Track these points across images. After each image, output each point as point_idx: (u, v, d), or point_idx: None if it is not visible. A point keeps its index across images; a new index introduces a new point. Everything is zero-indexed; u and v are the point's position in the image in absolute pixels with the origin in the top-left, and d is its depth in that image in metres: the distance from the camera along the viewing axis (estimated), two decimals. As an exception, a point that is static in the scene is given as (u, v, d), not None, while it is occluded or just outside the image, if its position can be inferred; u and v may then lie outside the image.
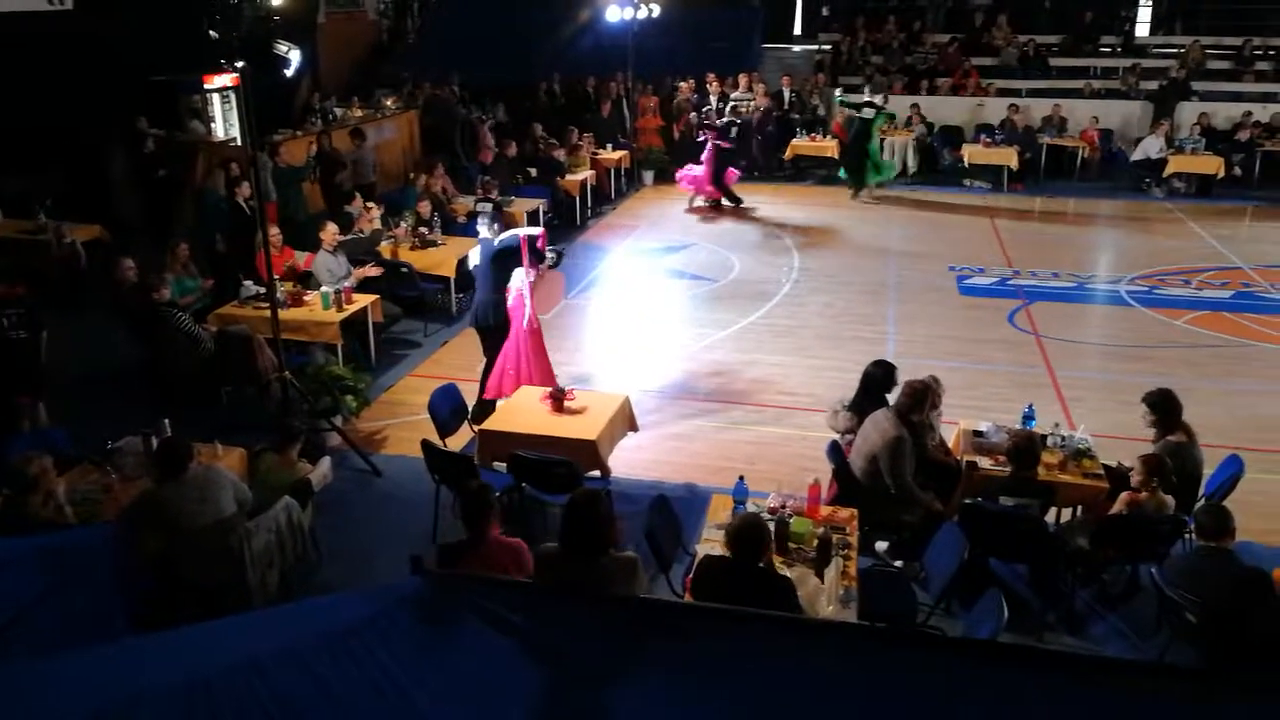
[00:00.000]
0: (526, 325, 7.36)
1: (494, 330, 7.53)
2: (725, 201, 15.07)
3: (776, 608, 4.05)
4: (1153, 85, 17.94)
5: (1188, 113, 16.96)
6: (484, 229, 7.66)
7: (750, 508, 5.19)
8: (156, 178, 12.17)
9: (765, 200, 15.65)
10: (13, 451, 5.34)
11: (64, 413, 7.04)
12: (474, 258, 7.72)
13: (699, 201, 15.13)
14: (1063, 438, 6.10)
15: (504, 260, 7.39)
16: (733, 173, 15.25)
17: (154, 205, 12.34)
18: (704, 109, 16.34)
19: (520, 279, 7.37)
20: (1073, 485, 5.78)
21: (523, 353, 7.35)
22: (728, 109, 16.18)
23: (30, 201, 10.94)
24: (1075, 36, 19.80)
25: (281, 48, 6.53)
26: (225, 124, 14.17)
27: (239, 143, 12.96)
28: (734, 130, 15.06)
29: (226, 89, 13.76)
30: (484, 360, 7.75)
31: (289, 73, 6.67)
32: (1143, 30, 20.55)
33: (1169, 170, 15.78)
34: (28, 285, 7.33)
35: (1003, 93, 18.28)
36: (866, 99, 15.39)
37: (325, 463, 6.24)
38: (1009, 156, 16.17)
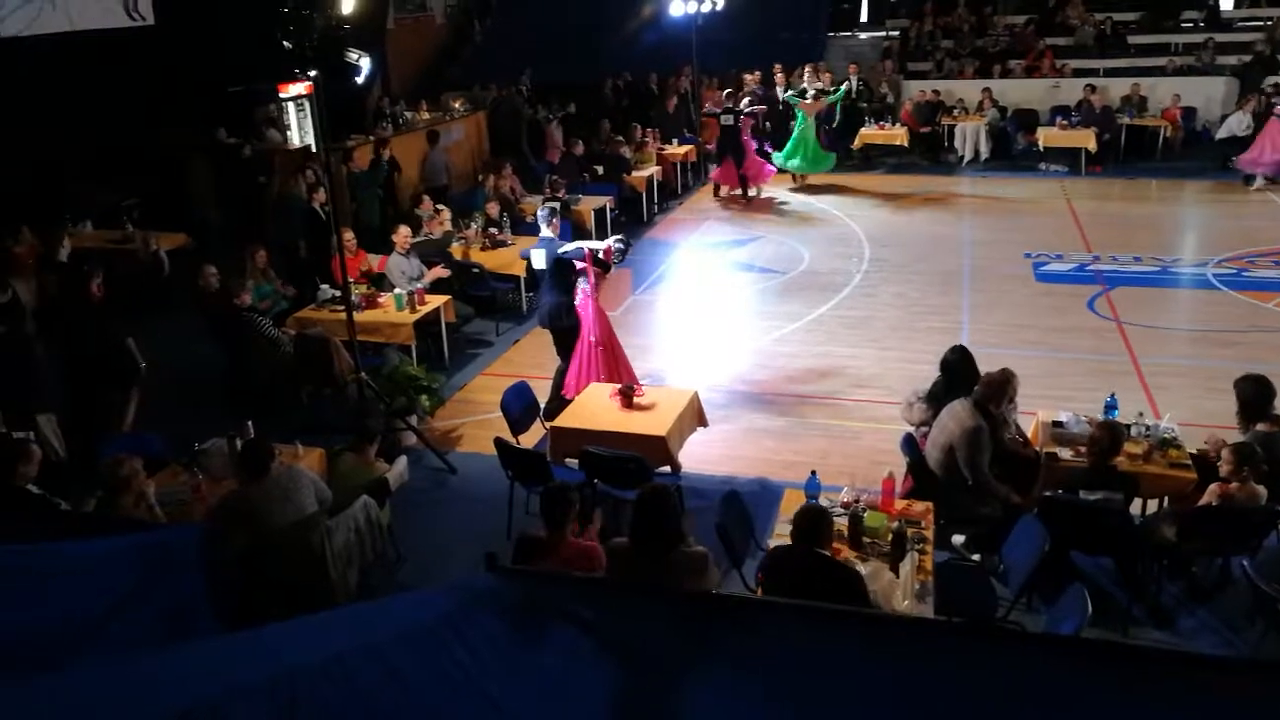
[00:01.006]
0: (594, 333, 7.40)
1: (567, 331, 7.60)
2: (736, 190, 15.19)
3: (843, 595, 4.04)
4: (1236, 60, 17.26)
5: (1276, 87, 16.29)
6: (545, 228, 7.73)
7: (824, 502, 5.15)
8: (256, 184, 12.51)
9: (834, 190, 15.49)
10: (107, 454, 5.54)
11: (152, 416, 7.30)
12: (537, 259, 7.76)
13: (724, 191, 15.30)
14: (1147, 427, 5.92)
15: (568, 267, 7.46)
16: (768, 170, 15.19)
17: (240, 213, 12.71)
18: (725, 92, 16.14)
19: (584, 280, 7.43)
20: (1158, 476, 5.61)
21: (600, 351, 7.40)
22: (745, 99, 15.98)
23: (118, 213, 11.36)
24: (1155, 12, 19.15)
25: (353, 55, 6.66)
26: (300, 131, 14.53)
27: (314, 149, 13.27)
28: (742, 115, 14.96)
29: (301, 97, 14.10)
30: (558, 360, 7.82)
31: (360, 80, 6.79)
32: (1227, 3, 19.79)
33: (1257, 148, 15.18)
34: (107, 291, 7.61)
35: (1079, 73, 17.79)
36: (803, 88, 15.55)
37: (402, 462, 6.36)
38: (1086, 139, 15.72)
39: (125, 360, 7.25)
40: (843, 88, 16.10)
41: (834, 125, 16.85)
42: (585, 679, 2.91)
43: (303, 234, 10.46)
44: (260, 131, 13.73)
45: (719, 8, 16.38)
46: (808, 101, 15.26)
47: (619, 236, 7.70)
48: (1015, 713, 2.72)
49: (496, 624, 3.09)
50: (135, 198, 11.85)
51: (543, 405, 7.22)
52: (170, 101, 12.67)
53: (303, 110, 14.45)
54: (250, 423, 6.02)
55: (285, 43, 6.34)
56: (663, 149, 15.61)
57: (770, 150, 15.78)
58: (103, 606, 3.87)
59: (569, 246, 7.53)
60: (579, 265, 7.42)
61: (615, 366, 7.47)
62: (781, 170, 15.54)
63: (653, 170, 14.69)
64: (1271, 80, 15.92)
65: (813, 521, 4.26)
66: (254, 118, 13.81)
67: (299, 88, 13.63)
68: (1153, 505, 5.85)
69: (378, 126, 14.55)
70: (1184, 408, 6.95)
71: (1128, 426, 5.87)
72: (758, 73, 17.03)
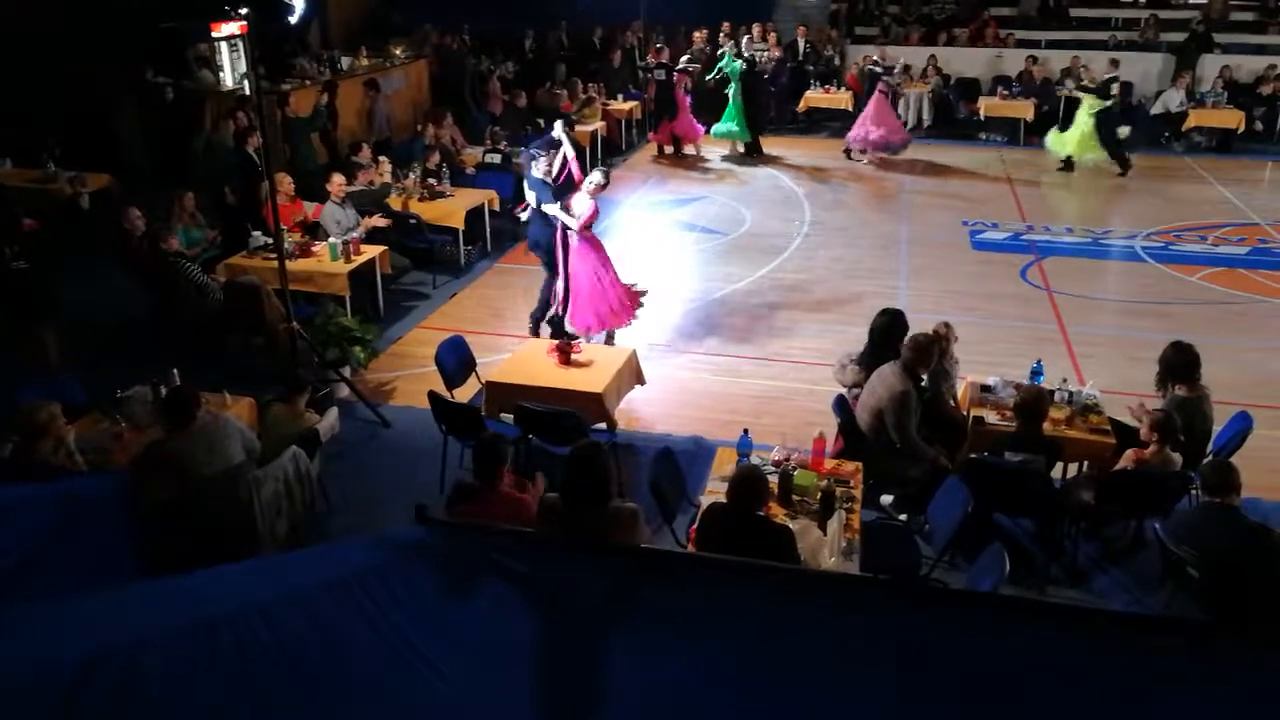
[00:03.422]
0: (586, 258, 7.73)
1: (550, 251, 7.92)
2: (669, 148, 15.24)
3: (774, 555, 4.10)
4: (1176, 37, 17.59)
5: (1210, 65, 16.64)
6: (536, 170, 7.85)
7: (755, 460, 5.21)
8: (186, 126, 12.09)
9: (778, 153, 15.49)
10: (24, 399, 5.37)
11: (73, 361, 7.09)
12: (530, 198, 8.03)
13: (667, 149, 15.27)
14: (1070, 393, 6.07)
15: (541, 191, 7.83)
16: (699, 129, 15.10)
17: (165, 155, 12.30)
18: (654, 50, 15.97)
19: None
20: (1079, 440, 5.76)
21: (602, 281, 7.75)
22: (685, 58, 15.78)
23: (39, 151, 10.92)
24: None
25: (286, -6, 6.46)
26: (234, 73, 14.08)
27: (246, 91, 12.87)
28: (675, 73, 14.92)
29: (234, 37, 13.64)
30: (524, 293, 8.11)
31: (293, 19, 6.60)
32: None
33: (1189, 124, 15.57)
34: (35, 221, 7.44)
35: (1021, 44, 17.96)
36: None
37: (333, 413, 6.28)
38: (1026, 109, 15.94)
39: (36, 285, 7.08)
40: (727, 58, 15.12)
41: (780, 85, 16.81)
42: (512, 630, 2.92)
43: (232, 179, 10.17)
44: (192, 71, 13.27)
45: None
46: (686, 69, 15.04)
47: (601, 169, 7.89)
48: (934, 664, 2.79)
49: (424, 575, 3.08)
50: (57, 136, 11.38)
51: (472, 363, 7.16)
52: (97, 37, 12.16)
53: (236, 50, 13.98)
54: (175, 370, 5.89)
55: (216, -22, 6.12)
56: (607, 104, 15.44)
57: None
58: (19, 555, 3.78)
59: (551, 211, 7.73)
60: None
61: (604, 292, 7.76)
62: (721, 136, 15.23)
63: (597, 125, 14.53)
64: (869, 55, 16.09)
65: (750, 485, 4.29)
66: (185, 57, 13.33)
67: (232, 27, 13.19)
68: (1074, 469, 6.03)
69: (315, 71, 14.15)
70: (1107, 375, 7.14)
71: (1052, 392, 6.01)
72: (704, 31, 16.89)
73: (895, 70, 15.42)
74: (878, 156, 14.67)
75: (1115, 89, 14.08)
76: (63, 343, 7.14)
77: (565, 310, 7.86)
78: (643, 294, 8.10)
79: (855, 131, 14.67)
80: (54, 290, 7.13)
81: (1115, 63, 14.52)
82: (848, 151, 14.83)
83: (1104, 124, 14.01)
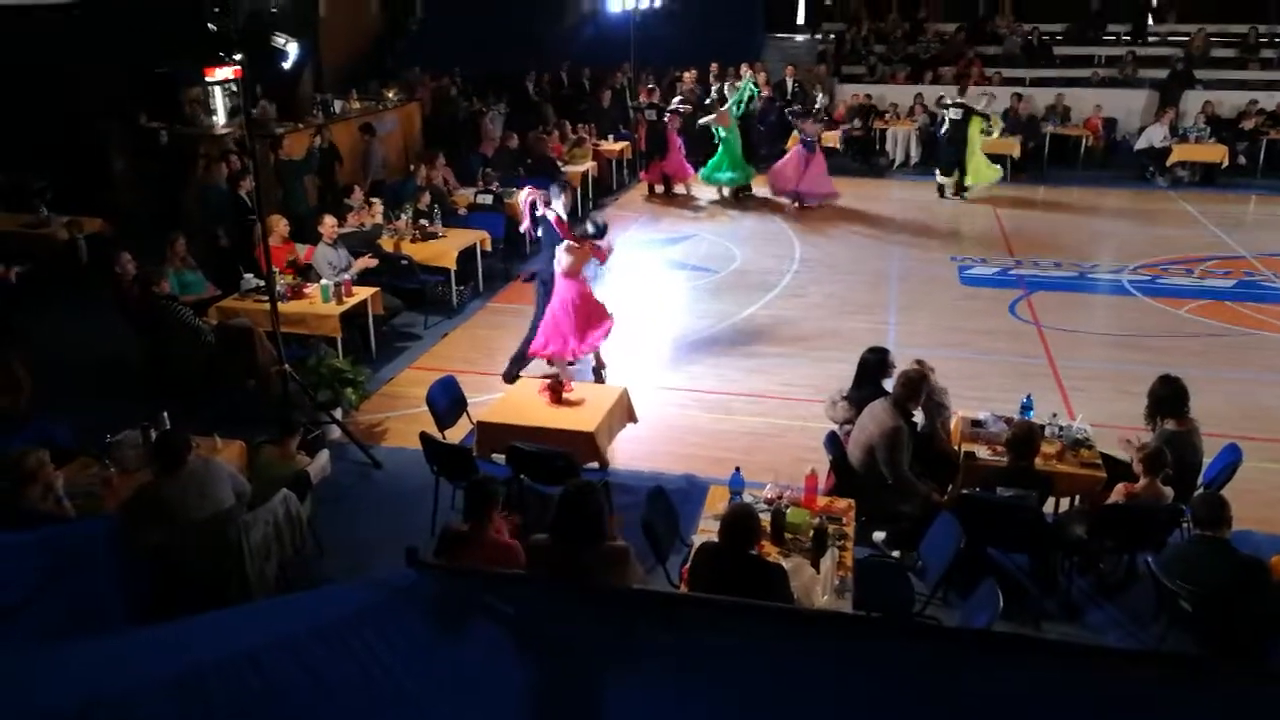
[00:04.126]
0: (561, 293, 7.87)
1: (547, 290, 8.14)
2: (660, 188, 15.33)
3: (767, 594, 4.09)
4: (1158, 73, 17.86)
5: (1192, 101, 16.87)
6: (556, 202, 8.13)
7: (747, 498, 5.20)
8: (179, 170, 12.16)
9: (767, 191, 15.60)
10: (11, 444, 5.35)
11: (63, 405, 7.07)
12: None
13: (658, 189, 15.36)
14: (1060, 427, 6.09)
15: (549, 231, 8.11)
16: (687, 169, 15.18)
17: (159, 199, 12.36)
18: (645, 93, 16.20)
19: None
20: (1070, 475, 5.77)
21: (566, 315, 7.85)
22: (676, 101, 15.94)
23: (30, 195, 10.95)
24: (1081, 24, 19.70)
25: (280, 40, 6.55)
26: (228, 116, 14.16)
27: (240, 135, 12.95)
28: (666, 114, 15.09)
29: (228, 81, 13.73)
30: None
31: (287, 65, 6.68)
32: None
33: (1173, 159, 15.73)
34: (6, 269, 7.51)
35: (1006, 81, 18.21)
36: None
37: (324, 455, 6.26)
38: (1012, 146, 16.10)
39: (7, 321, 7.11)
40: (745, 85, 15.18)
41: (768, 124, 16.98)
42: (505, 674, 2.90)
43: (224, 222, 10.21)
44: (187, 116, 13.36)
45: (658, 5, 16.35)
46: (712, 116, 14.93)
47: (594, 225, 8.14)
48: (930, 702, 2.78)
49: (416, 619, 3.07)
50: (47, 180, 11.42)
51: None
52: (92, 82, 12.26)
53: (229, 94, 14.07)
54: (165, 413, 5.88)
55: (210, 25, 6.19)
56: (598, 145, 15.57)
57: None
58: (7, 602, 3.75)
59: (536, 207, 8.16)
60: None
61: (572, 327, 7.85)
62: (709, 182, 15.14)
63: (588, 166, 14.64)
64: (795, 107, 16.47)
65: (742, 523, 4.29)
66: (179, 101, 13.43)
67: (226, 72, 13.27)
68: (1065, 503, 6.03)
69: (309, 114, 14.25)
70: (1097, 409, 7.17)
71: (1042, 427, 6.03)
72: (694, 71, 17.08)
73: (809, 109, 15.45)
74: (794, 205, 14.51)
75: (950, 115, 14.67)
76: (33, 374, 7.07)
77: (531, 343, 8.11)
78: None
79: (771, 178, 14.71)
80: (16, 318, 7.13)
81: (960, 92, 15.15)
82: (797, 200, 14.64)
83: (953, 145, 14.69)
